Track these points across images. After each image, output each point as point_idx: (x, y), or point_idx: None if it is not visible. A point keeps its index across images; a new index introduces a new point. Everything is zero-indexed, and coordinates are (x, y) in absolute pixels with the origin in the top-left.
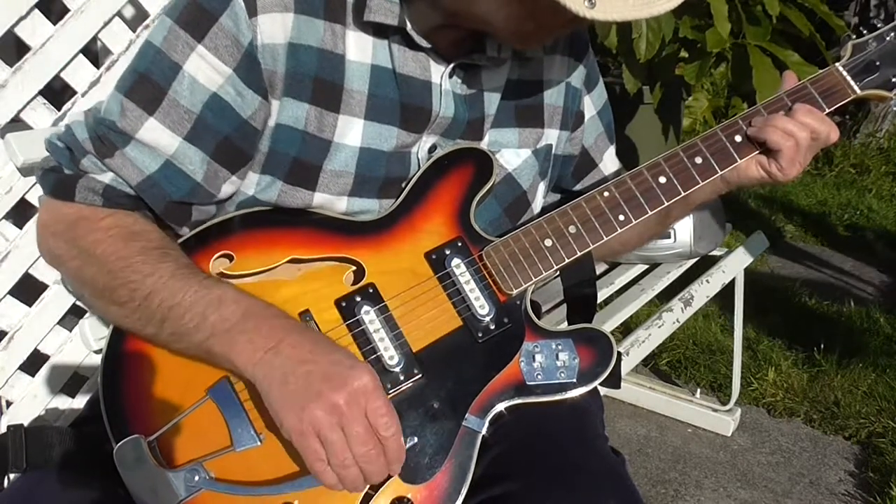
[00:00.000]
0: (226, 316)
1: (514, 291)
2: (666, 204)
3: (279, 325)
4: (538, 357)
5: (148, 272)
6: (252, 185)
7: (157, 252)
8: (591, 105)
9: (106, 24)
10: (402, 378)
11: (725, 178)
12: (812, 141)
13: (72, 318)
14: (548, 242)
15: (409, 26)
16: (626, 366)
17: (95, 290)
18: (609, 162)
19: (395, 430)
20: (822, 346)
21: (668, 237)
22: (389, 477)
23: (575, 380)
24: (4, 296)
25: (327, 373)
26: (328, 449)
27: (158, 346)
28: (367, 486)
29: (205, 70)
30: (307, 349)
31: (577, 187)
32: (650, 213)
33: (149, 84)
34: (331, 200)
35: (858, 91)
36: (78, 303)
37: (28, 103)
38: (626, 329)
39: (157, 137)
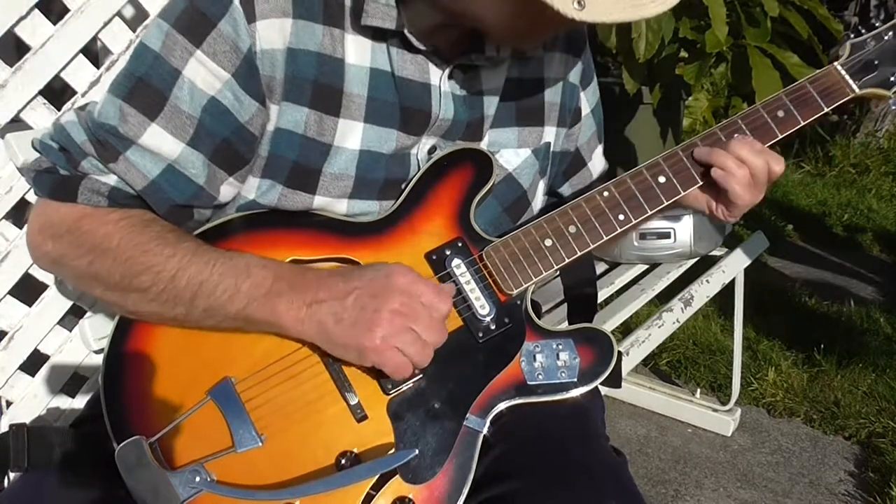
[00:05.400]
0: (258, 282)
1: (515, 291)
2: (665, 203)
3: (310, 278)
4: (539, 357)
5: (170, 254)
6: (252, 189)
7: (173, 234)
8: (586, 102)
9: (106, 24)
10: None
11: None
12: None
13: (72, 318)
14: (548, 242)
15: (406, 29)
16: (626, 366)
17: (111, 283)
18: (597, 161)
19: (449, 306)
20: (822, 346)
21: (668, 237)
22: (393, 475)
23: (576, 379)
24: (4, 296)
25: (371, 291)
26: (408, 350)
27: (185, 327)
28: (369, 486)
29: (203, 75)
30: (340, 285)
31: (565, 186)
32: (650, 212)
33: (148, 89)
34: (331, 203)
35: (857, 90)
36: (78, 303)
37: (28, 103)
38: (626, 329)
39: (160, 143)
